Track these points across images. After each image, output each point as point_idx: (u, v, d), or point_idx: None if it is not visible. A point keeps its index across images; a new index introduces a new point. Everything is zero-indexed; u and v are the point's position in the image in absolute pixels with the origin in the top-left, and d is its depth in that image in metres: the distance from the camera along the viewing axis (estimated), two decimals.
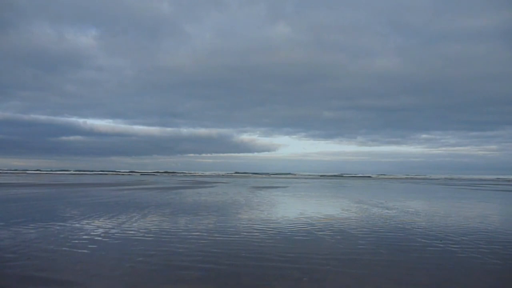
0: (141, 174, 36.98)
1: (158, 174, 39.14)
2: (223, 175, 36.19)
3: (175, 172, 42.73)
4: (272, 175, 36.07)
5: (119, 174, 37.64)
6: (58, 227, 1.89)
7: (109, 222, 2.06)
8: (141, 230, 1.84)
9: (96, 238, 1.61)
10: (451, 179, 27.97)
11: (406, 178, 26.86)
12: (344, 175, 41.08)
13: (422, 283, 1.04)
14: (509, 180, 22.81)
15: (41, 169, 48.92)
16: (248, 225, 2.07)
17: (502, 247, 1.56)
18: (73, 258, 1.26)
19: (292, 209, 3.03)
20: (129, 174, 35.99)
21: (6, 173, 32.56)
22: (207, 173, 42.69)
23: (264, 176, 33.05)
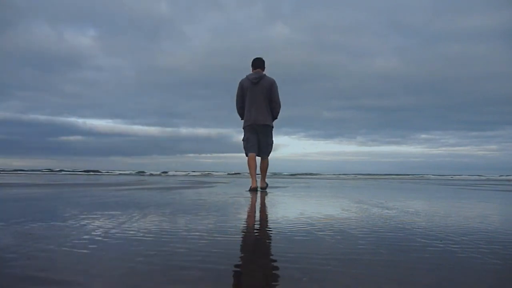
0: (141, 174, 36.98)
1: (158, 174, 39.16)
2: (223, 175, 36.24)
3: (175, 172, 42.77)
4: (272, 175, 36.11)
5: (118, 174, 37.67)
6: (58, 227, 1.89)
7: (109, 222, 2.06)
8: (141, 230, 1.84)
9: (96, 238, 1.61)
10: (451, 179, 28.00)
11: (406, 178, 26.90)
12: (344, 175, 41.13)
13: (422, 283, 1.04)
14: (509, 180, 22.82)
15: (41, 169, 48.86)
16: (248, 225, 2.08)
17: (502, 247, 1.56)
18: (73, 258, 1.26)
19: (292, 209, 3.03)
20: (128, 174, 36.01)
21: (6, 173, 32.59)
22: (207, 173, 42.74)
23: None
